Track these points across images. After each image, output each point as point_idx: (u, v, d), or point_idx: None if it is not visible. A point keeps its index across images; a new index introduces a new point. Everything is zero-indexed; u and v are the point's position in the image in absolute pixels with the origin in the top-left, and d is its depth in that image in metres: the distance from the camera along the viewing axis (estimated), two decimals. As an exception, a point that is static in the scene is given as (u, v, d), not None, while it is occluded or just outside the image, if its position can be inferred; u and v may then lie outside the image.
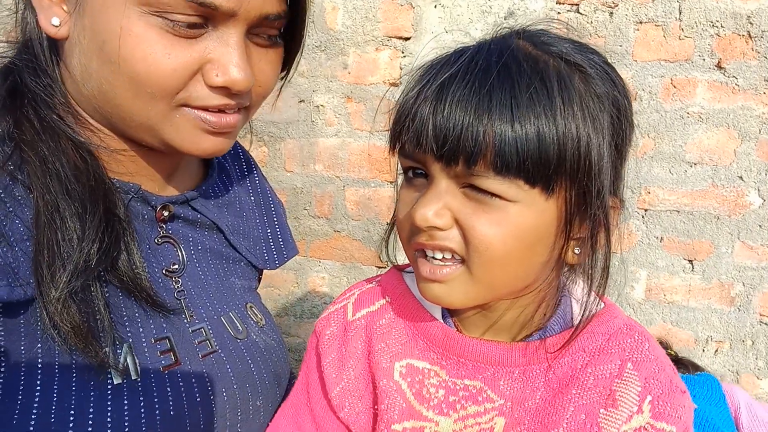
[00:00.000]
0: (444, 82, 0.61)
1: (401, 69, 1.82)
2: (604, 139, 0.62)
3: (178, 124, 0.70)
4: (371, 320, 0.79)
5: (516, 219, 0.62)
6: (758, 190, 1.74)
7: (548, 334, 0.72)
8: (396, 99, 0.69)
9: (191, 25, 0.65)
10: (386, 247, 0.83)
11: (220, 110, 0.71)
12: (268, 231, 1.00)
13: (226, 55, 0.67)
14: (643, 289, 1.86)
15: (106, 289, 0.68)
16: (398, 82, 1.82)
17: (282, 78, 0.84)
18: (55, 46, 0.71)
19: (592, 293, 0.70)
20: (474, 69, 0.60)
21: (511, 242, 0.62)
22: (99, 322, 0.65)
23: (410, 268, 0.82)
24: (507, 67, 0.60)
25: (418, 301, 0.77)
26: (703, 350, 1.87)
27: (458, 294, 0.67)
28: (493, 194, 0.61)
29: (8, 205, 0.63)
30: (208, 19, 0.66)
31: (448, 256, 0.65)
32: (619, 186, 0.68)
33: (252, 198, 0.98)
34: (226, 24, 0.66)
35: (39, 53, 0.72)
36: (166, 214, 0.80)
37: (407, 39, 1.79)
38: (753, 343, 1.84)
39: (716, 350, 1.87)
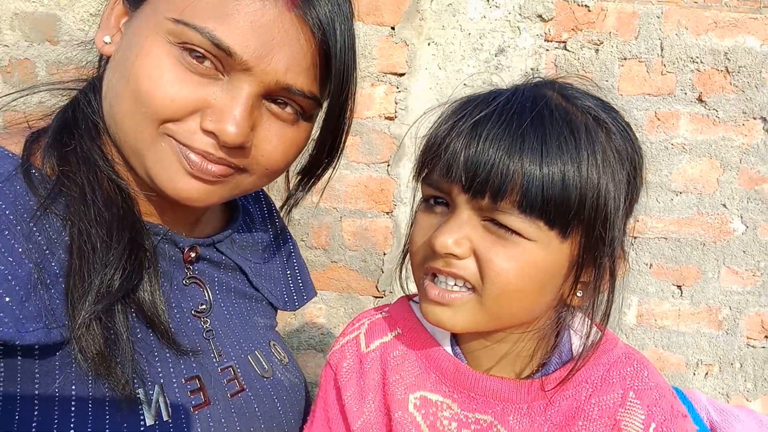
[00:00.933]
0: (479, 120, 0.65)
1: (396, 103, 1.87)
2: (621, 193, 0.66)
3: (160, 155, 0.69)
4: (385, 351, 0.80)
5: (532, 257, 0.65)
6: (741, 217, 1.81)
7: (551, 369, 0.74)
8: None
9: (209, 68, 0.66)
10: (399, 275, 0.85)
11: (203, 155, 0.69)
12: (288, 273, 1.02)
13: (228, 105, 0.67)
14: (634, 314, 1.91)
15: (134, 324, 0.69)
16: (394, 115, 1.88)
17: (315, 169, 0.85)
18: (106, 65, 0.75)
19: (592, 331, 0.73)
20: (509, 111, 0.64)
21: (524, 278, 0.66)
22: (122, 350, 0.65)
23: (417, 297, 0.85)
24: (540, 114, 0.64)
25: (429, 333, 0.80)
26: (694, 374, 1.91)
27: (461, 319, 0.69)
28: (513, 231, 0.64)
29: (44, 246, 0.64)
30: (224, 67, 0.67)
31: (459, 283, 0.68)
32: (624, 238, 0.71)
33: (273, 241, 1.00)
34: (240, 77, 0.67)
35: (99, 73, 0.75)
36: (193, 255, 0.81)
37: (402, 75, 1.85)
38: (741, 365, 1.88)
39: (706, 373, 1.91)
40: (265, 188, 1.00)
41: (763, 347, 1.86)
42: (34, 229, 0.64)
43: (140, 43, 0.66)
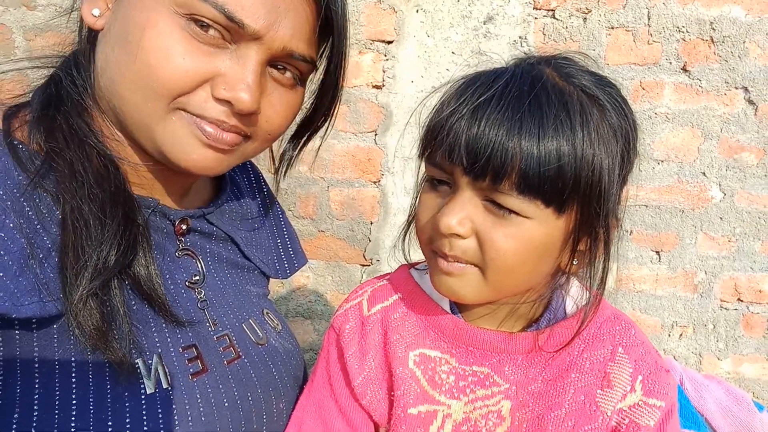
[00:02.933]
0: (480, 104, 0.67)
1: (384, 72, 1.86)
2: (615, 167, 0.69)
3: (173, 128, 0.70)
4: (386, 314, 0.85)
5: (529, 234, 0.69)
6: (719, 185, 1.86)
7: (543, 324, 0.79)
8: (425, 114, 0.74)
9: (215, 37, 0.67)
10: (403, 245, 0.89)
11: (217, 124, 0.71)
12: (278, 241, 1.03)
13: (239, 74, 0.68)
14: (613, 279, 1.96)
15: (129, 298, 0.70)
16: (381, 84, 1.87)
17: (308, 132, 0.89)
18: (94, 39, 0.73)
19: (588, 295, 0.78)
20: (508, 95, 0.67)
21: (523, 254, 0.69)
22: (119, 323, 0.66)
23: (420, 265, 0.90)
24: (537, 98, 0.66)
25: (428, 295, 0.84)
26: (669, 335, 1.99)
27: (469, 290, 0.73)
28: (511, 210, 0.68)
29: (36, 221, 0.64)
30: (232, 36, 0.68)
31: (463, 259, 0.72)
32: (618, 204, 0.74)
33: (261, 210, 1.01)
34: (249, 45, 0.69)
35: (82, 47, 0.74)
36: (184, 227, 0.82)
37: (390, 42, 1.84)
38: (714, 326, 1.97)
39: (681, 334, 1.99)
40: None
41: (735, 309, 1.94)
42: (25, 204, 0.64)
43: (144, 16, 0.66)
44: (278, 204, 1.08)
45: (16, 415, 0.60)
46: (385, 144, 1.91)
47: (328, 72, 0.81)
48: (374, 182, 1.94)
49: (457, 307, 0.83)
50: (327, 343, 0.89)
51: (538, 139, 0.64)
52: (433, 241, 0.74)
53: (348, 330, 0.85)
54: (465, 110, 0.68)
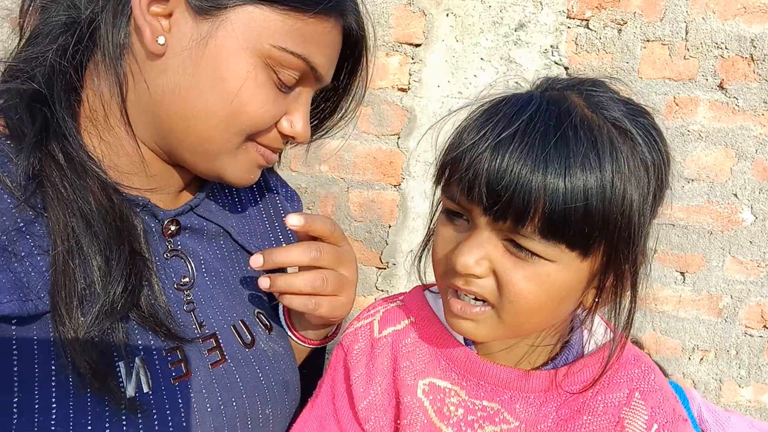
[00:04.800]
0: (503, 140, 0.62)
1: (410, 75, 1.83)
2: (647, 204, 0.65)
3: (244, 157, 0.79)
4: (397, 339, 0.82)
5: (552, 278, 0.65)
6: (751, 207, 1.80)
7: (560, 363, 0.76)
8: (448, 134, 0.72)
9: (288, 83, 0.76)
10: (418, 269, 0.86)
11: (275, 151, 0.82)
12: (276, 225, 1.00)
13: (300, 112, 0.79)
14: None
15: (126, 326, 0.69)
16: (407, 87, 1.84)
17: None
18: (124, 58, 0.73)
19: (612, 335, 0.74)
20: (533, 131, 0.62)
21: (544, 297, 0.66)
22: (117, 359, 0.67)
23: (434, 288, 0.87)
24: (564, 134, 0.62)
25: (442, 323, 0.81)
26: (689, 358, 1.94)
27: (485, 331, 0.71)
28: (533, 253, 0.64)
29: (20, 222, 0.64)
30: (301, 82, 0.78)
31: (480, 298, 0.69)
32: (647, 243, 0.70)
33: (251, 196, 0.99)
34: (308, 86, 0.79)
35: (111, 61, 0.72)
36: (173, 228, 0.82)
37: (418, 45, 1.81)
38: (737, 353, 1.91)
39: (701, 359, 1.94)
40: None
41: (761, 336, 1.88)
42: (12, 208, 0.64)
43: (241, 65, 0.72)
44: (282, 187, 1.06)
45: None
46: (408, 147, 1.88)
47: (353, 84, 0.91)
48: (394, 185, 1.92)
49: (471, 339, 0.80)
50: (334, 361, 0.87)
51: (564, 178, 0.60)
52: (448, 276, 0.70)
53: (357, 350, 0.83)
54: (486, 145, 0.63)
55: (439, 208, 0.76)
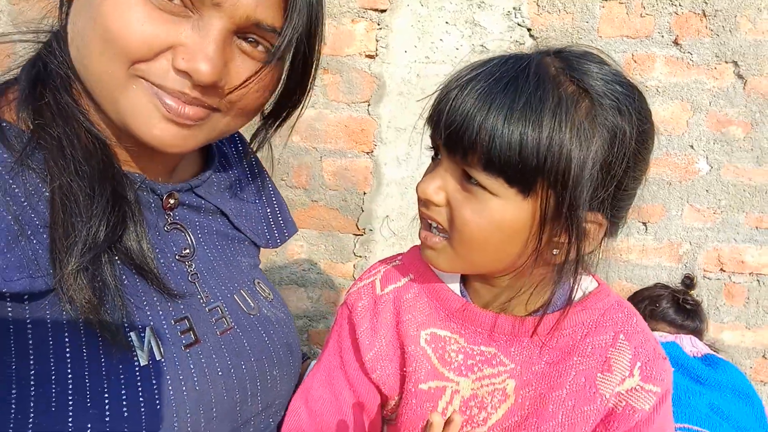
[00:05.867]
0: (464, 83, 0.70)
1: (377, 41, 1.84)
2: (588, 159, 0.67)
3: (134, 99, 0.68)
4: (398, 294, 0.87)
5: (494, 210, 0.71)
6: (706, 157, 1.90)
7: (551, 310, 0.81)
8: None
9: (177, 5, 0.65)
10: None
11: (177, 97, 0.68)
12: (268, 211, 1.03)
13: (199, 44, 0.66)
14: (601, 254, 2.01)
15: (120, 272, 0.71)
16: (374, 53, 1.85)
17: (289, 107, 0.85)
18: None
19: (574, 281, 0.76)
20: (489, 77, 0.69)
21: (487, 229, 0.72)
22: (111, 298, 0.67)
23: None
24: (515, 80, 0.68)
25: (439, 278, 0.86)
26: (652, 303, 2.05)
27: (443, 260, 0.78)
28: (480, 185, 0.70)
29: (23, 199, 0.64)
30: (194, 4, 0.66)
31: (440, 227, 0.76)
32: (607, 205, 0.71)
33: (250, 180, 1.01)
34: (210, 14, 0.66)
35: (62, 22, 0.72)
36: (172, 202, 0.83)
37: (383, 11, 1.82)
38: (697, 296, 2.03)
39: (663, 302, 2.06)
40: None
41: (718, 279, 2.00)
42: (12, 183, 0.64)
43: None
44: (267, 173, 1.07)
45: (14, 391, 0.62)
46: (379, 114, 1.91)
47: (297, 45, 0.75)
48: (367, 153, 1.95)
49: (466, 290, 0.85)
50: (340, 318, 0.92)
51: (504, 118, 0.66)
52: (418, 205, 0.78)
53: (361, 307, 0.88)
54: (453, 88, 0.71)
55: None
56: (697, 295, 1.72)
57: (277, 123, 0.88)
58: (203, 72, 0.66)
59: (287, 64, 0.79)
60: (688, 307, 1.61)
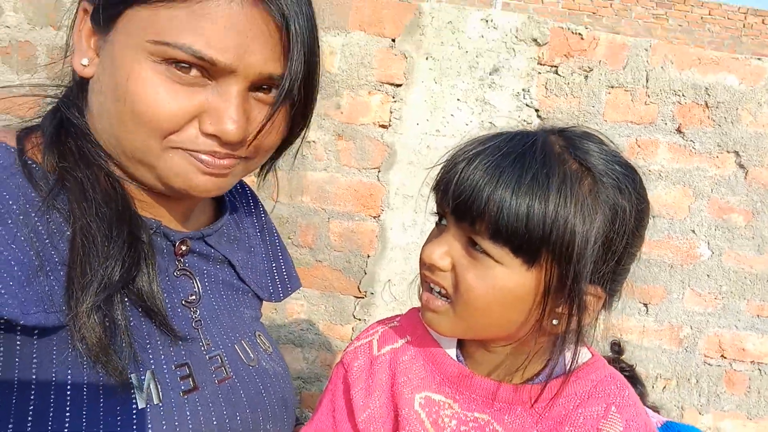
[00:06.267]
0: (473, 157, 0.74)
1: (391, 112, 1.93)
2: (591, 234, 0.71)
3: (172, 163, 0.74)
4: (395, 356, 0.88)
5: (498, 278, 0.73)
6: (708, 243, 1.92)
7: (541, 380, 0.82)
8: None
9: (196, 76, 0.71)
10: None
11: (212, 155, 0.74)
12: (273, 265, 1.06)
13: (222, 108, 0.72)
14: (600, 328, 2.00)
15: (129, 313, 0.73)
16: (388, 124, 1.93)
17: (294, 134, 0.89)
18: (84, 85, 0.79)
19: (574, 352, 0.79)
20: (497, 152, 0.73)
21: (490, 294, 0.74)
22: (120, 338, 0.69)
23: None
24: (523, 156, 0.72)
25: (436, 340, 0.88)
26: (653, 387, 2.03)
27: (445, 324, 0.79)
28: (486, 253, 0.73)
29: (45, 237, 0.68)
30: (210, 73, 0.71)
31: (442, 292, 0.78)
32: (606, 279, 0.75)
33: (258, 233, 1.05)
34: (227, 79, 0.72)
35: (76, 91, 0.79)
36: (184, 248, 0.86)
37: (399, 86, 1.91)
38: (697, 381, 2.01)
39: (664, 387, 2.03)
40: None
41: (719, 365, 1.98)
42: (37, 221, 0.68)
43: (127, 66, 0.71)
44: (274, 227, 1.11)
45: (10, 425, 0.63)
46: (388, 181, 1.97)
47: (300, 88, 0.79)
48: (374, 217, 1.99)
49: (462, 356, 0.86)
50: (335, 377, 0.92)
51: (512, 191, 0.70)
52: (422, 269, 0.81)
53: (357, 367, 0.89)
54: (461, 160, 0.75)
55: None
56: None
57: (282, 151, 0.92)
58: (231, 132, 0.72)
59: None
60: (625, 374, 1.58)
